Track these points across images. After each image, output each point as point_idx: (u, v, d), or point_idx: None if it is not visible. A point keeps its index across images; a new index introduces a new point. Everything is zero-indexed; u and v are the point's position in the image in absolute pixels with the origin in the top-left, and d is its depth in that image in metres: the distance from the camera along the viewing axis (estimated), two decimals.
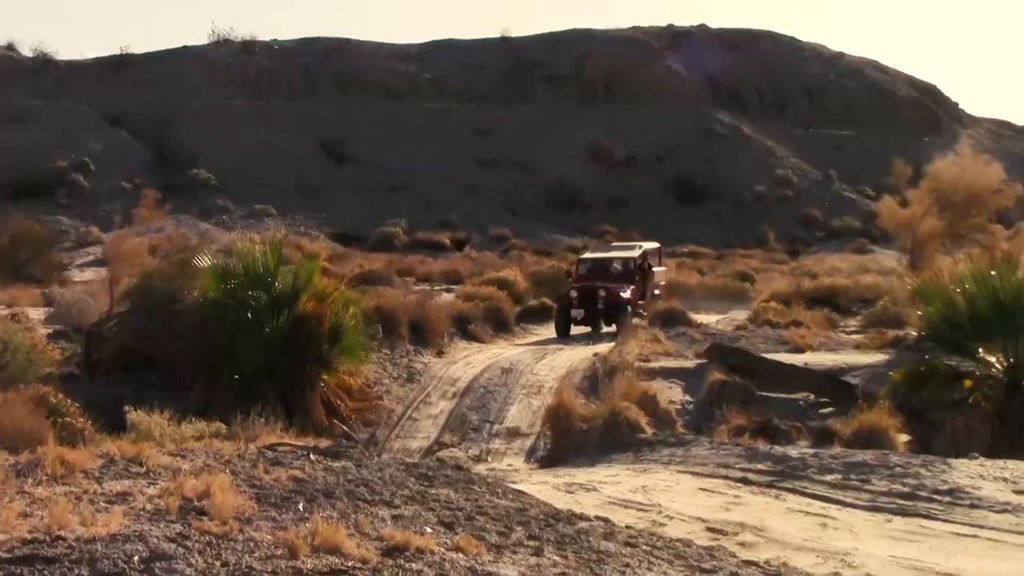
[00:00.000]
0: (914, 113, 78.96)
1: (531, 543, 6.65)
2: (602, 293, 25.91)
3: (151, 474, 7.75)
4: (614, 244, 35.63)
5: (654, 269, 29.70)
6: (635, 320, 26.01)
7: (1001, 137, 79.57)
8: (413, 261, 41.49)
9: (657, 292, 29.34)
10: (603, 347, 22.02)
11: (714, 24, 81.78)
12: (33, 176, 54.54)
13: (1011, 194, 32.83)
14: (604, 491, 10.05)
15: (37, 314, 22.28)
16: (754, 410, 16.15)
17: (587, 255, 31.13)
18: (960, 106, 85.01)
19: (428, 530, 6.63)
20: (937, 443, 13.51)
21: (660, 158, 68.04)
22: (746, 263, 43.05)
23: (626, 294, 26.52)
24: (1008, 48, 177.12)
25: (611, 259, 28.97)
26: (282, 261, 17.69)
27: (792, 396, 17.55)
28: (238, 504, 6.67)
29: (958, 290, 14.98)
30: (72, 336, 19.29)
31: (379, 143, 65.14)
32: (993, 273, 14.74)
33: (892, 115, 77.52)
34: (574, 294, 26.18)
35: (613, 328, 25.40)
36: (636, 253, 29.13)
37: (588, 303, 25.79)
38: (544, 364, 20.77)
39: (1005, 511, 9.14)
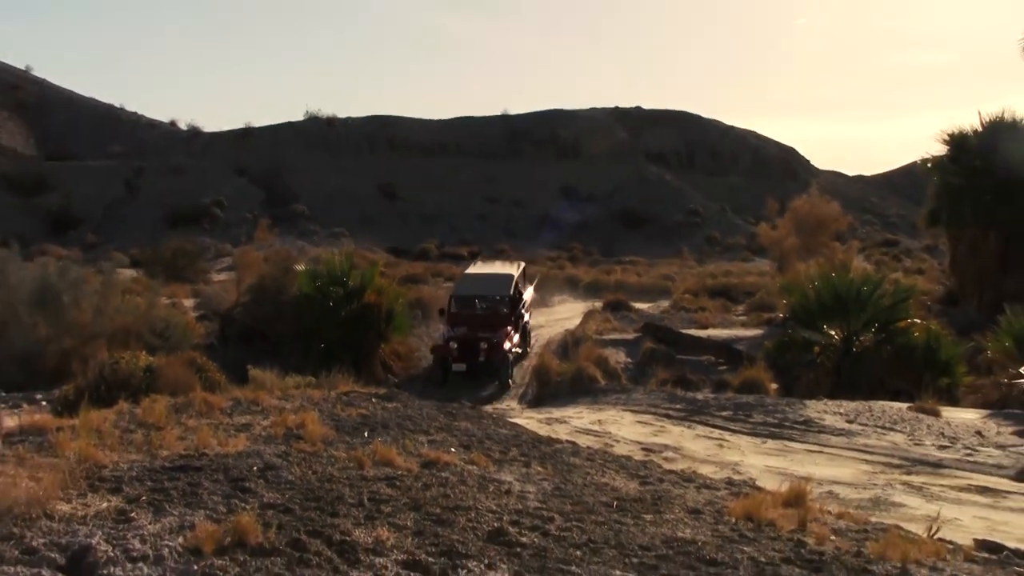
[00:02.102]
0: (780, 166, 78.67)
1: (522, 458, 6.65)
2: (484, 346, 16.22)
3: (265, 411, 7.74)
4: (483, 271, 20.22)
5: (524, 296, 19.05)
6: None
7: (837, 183, 79.18)
8: (442, 267, 41.33)
9: (527, 318, 19.21)
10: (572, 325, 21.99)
11: (647, 106, 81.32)
12: (186, 210, 55.78)
13: (844, 222, 32.90)
14: (572, 423, 10.06)
15: (189, 303, 22.34)
16: (674, 368, 16.15)
17: (460, 292, 18.46)
18: (811, 162, 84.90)
19: (452, 450, 6.63)
20: (796, 390, 13.58)
21: (610, 196, 67.88)
22: (668, 268, 42.86)
23: (507, 344, 16.57)
24: (845, 122, 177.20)
25: (486, 295, 18.16)
26: (353, 267, 17.74)
27: (699, 358, 17.55)
28: (323, 432, 6.66)
29: (810, 286, 15.04)
30: (212, 318, 19.30)
31: (418, 187, 65.25)
32: (833, 275, 14.82)
33: (766, 168, 77.24)
34: (454, 346, 16.26)
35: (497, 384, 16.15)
36: (511, 289, 17.98)
37: (469, 357, 16.23)
38: (531, 336, 20.70)
39: (840, 435, 9.17)
